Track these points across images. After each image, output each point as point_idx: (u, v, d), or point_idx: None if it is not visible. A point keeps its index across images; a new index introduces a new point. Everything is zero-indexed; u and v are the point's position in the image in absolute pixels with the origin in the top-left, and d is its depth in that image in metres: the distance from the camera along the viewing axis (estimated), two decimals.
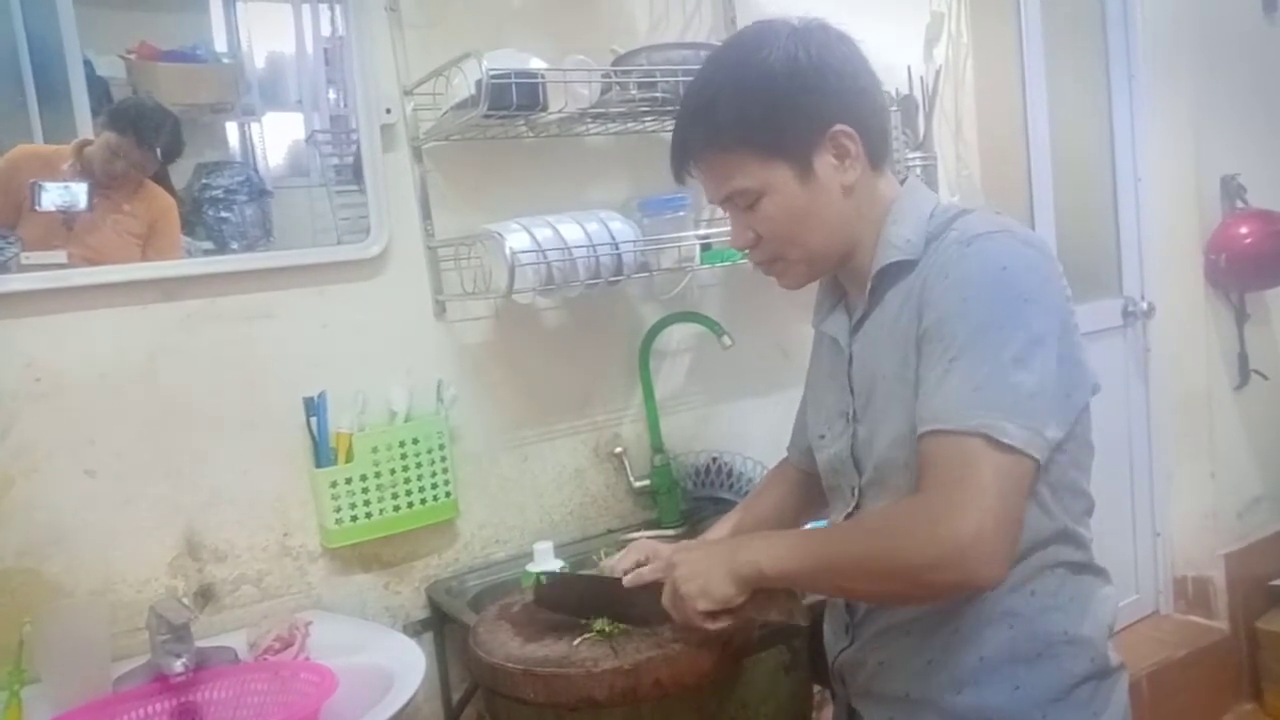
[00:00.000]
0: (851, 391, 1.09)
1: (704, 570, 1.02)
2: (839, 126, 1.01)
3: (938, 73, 2.20)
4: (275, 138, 1.68)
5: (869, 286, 1.06)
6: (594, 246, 1.60)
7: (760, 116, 1.00)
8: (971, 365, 0.91)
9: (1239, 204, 2.72)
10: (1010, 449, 0.88)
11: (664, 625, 1.11)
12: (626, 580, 1.15)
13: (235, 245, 1.58)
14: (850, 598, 1.09)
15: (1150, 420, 2.83)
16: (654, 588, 1.09)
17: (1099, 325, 2.67)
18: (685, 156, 1.07)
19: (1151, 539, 2.86)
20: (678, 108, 1.10)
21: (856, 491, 1.09)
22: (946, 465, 0.89)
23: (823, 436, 1.16)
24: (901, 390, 0.99)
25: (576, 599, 1.21)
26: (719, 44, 1.74)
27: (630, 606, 1.15)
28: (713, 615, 1.02)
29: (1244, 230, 2.66)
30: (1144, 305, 2.79)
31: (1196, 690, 2.62)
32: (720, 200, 1.08)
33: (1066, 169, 2.66)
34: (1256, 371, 2.80)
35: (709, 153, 1.04)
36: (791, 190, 1.02)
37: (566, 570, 1.51)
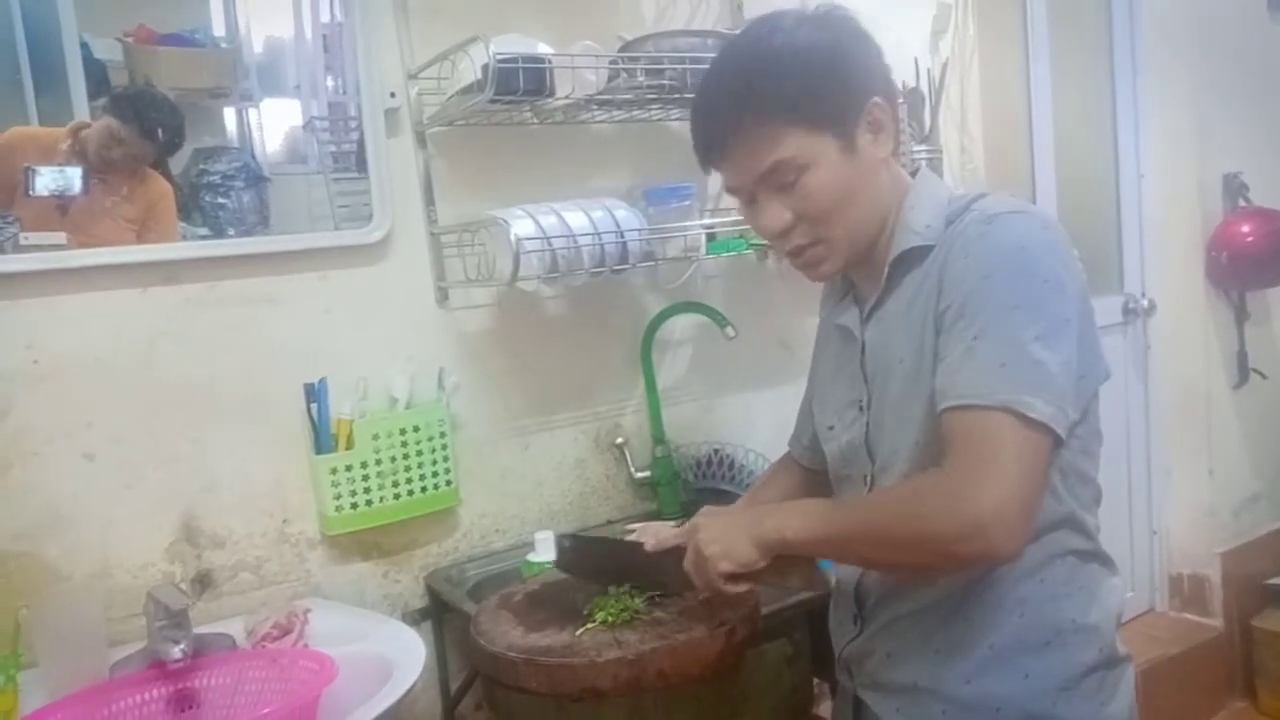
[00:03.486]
0: (865, 380, 1.09)
1: (727, 533, 1.02)
2: (876, 99, 1.01)
3: (944, 66, 2.19)
4: (273, 124, 1.68)
5: (885, 273, 1.05)
6: (599, 234, 1.59)
7: (806, 86, 0.98)
8: (996, 342, 0.91)
9: (1241, 202, 2.72)
10: (1036, 424, 0.88)
11: (685, 590, 1.11)
12: (649, 545, 1.15)
13: (232, 231, 1.57)
14: (872, 568, 1.08)
15: (1149, 417, 2.83)
16: (676, 553, 1.09)
17: (1099, 322, 2.60)
18: (723, 131, 1.02)
19: (1149, 536, 2.86)
20: (700, 90, 1.06)
21: (869, 479, 1.09)
22: (971, 439, 0.90)
23: (832, 427, 1.15)
24: (918, 372, 0.99)
25: (597, 563, 1.21)
26: (727, 32, 1.76)
27: (651, 572, 1.15)
28: (733, 579, 1.02)
29: (1246, 229, 2.66)
30: (1145, 302, 2.79)
31: (1190, 687, 2.63)
32: (758, 177, 1.02)
33: (1070, 164, 2.66)
34: (1256, 370, 2.80)
35: (754, 126, 1.00)
36: (836, 162, 1.00)
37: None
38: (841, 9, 1.04)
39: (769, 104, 0.99)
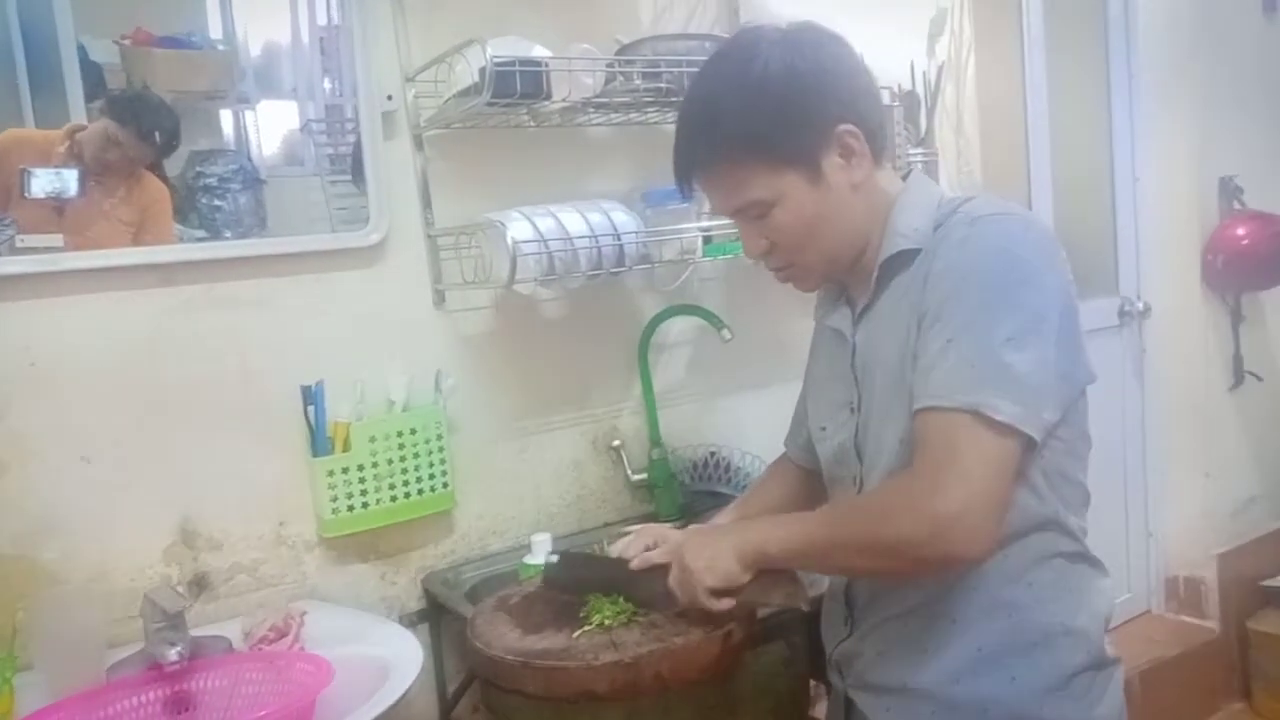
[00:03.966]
0: (855, 382, 1.09)
1: (711, 549, 1.04)
2: (843, 126, 1.01)
3: (940, 69, 2.20)
4: (270, 126, 1.67)
5: (875, 276, 1.06)
6: (596, 237, 1.59)
7: (766, 126, 0.99)
8: (968, 344, 0.92)
9: (1237, 205, 2.73)
10: (1001, 426, 0.89)
11: (670, 607, 1.11)
12: (635, 563, 1.16)
13: (229, 234, 1.57)
14: (849, 575, 1.10)
15: (1145, 420, 2.84)
16: (662, 570, 1.11)
17: (1095, 325, 2.67)
18: (690, 172, 1.06)
19: (1145, 539, 2.87)
20: (677, 117, 1.08)
21: (859, 480, 1.10)
22: (936, 442, 0.91)
23: (824, 429, 1.16)
24: (902, 372, 1.00)
25: (584, 580, 1.21)
26: (723, 35, 1.76)
27: (638, 588, 1.16)
28: (717, 595, 1.03)
29: (1241, 231, 2.67)
30: (1140, 305, 2.80)
31: (1187, 689, 2.63)
32: (730, 213, 1.07)
33: (1066, 167, 2.66)
34: (1251, 373, 2.81)
35: (716, 168, 1.04)
36: (803, 195, 1.02)
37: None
38: (816, 30, 1.04)
39: (733, 148, 1.01)
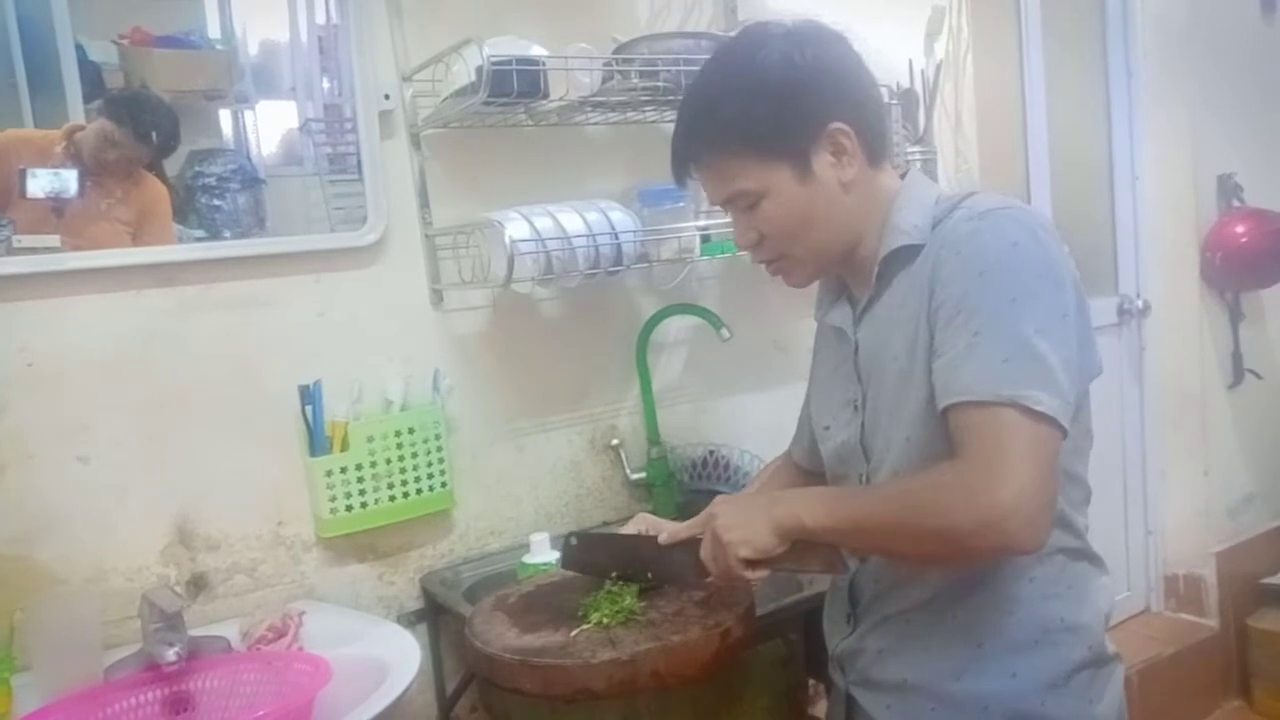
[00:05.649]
0: (859, 379, 1.10)
1: (746, 520, 1.03)
2: (835, 125, 1.01)
3: (938, 67, 2.20)
4: (268, 126, 1.67)
5: (875, 273, 1.06)
6: (594, 236, 1.59)
7: (760, 118, 1.00)
8: (997, 338, 0.92)
9: (1235, 203, 2.73)
10: (1043, 417, 0.89)
11: (699, 581, 1.11)
12: (663, 538, 1.15)
13: (228, 233, 1.57)
14: (886, 556, 1.08)
15: (1144, 418, 2.84)
16: (690, 544, 1.10)
17: (1094, 323, 2.64)
18: (686, 159, 1.07)
19: (1144, 536, 2.87)
20: (678, 108, 1.10)
21: (865, 479, 1.09)
22: (981, 435, 0.91)
23: (828, 427, 1.16)
24: (912, 369, 1.00)
25: (607, 560, 1.21)
26: (720, 34, 1.76)
27: (665, 565, 1.15)
28: (752, 565, 1.02)
29: (1240, 229, 2.67)
30: (1139, 303, 2.80)
31: (1186, 687, 2.64)
32: (721, 202, 1.08)
33: (1064, 165, 2.66)
34: (1250, 371, 2.81)
35: (710, 156, 1.05)
36: (791, 190, 1.02)
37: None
38: (820, 28, 1.04)
39: (726, 138, 1.02)
